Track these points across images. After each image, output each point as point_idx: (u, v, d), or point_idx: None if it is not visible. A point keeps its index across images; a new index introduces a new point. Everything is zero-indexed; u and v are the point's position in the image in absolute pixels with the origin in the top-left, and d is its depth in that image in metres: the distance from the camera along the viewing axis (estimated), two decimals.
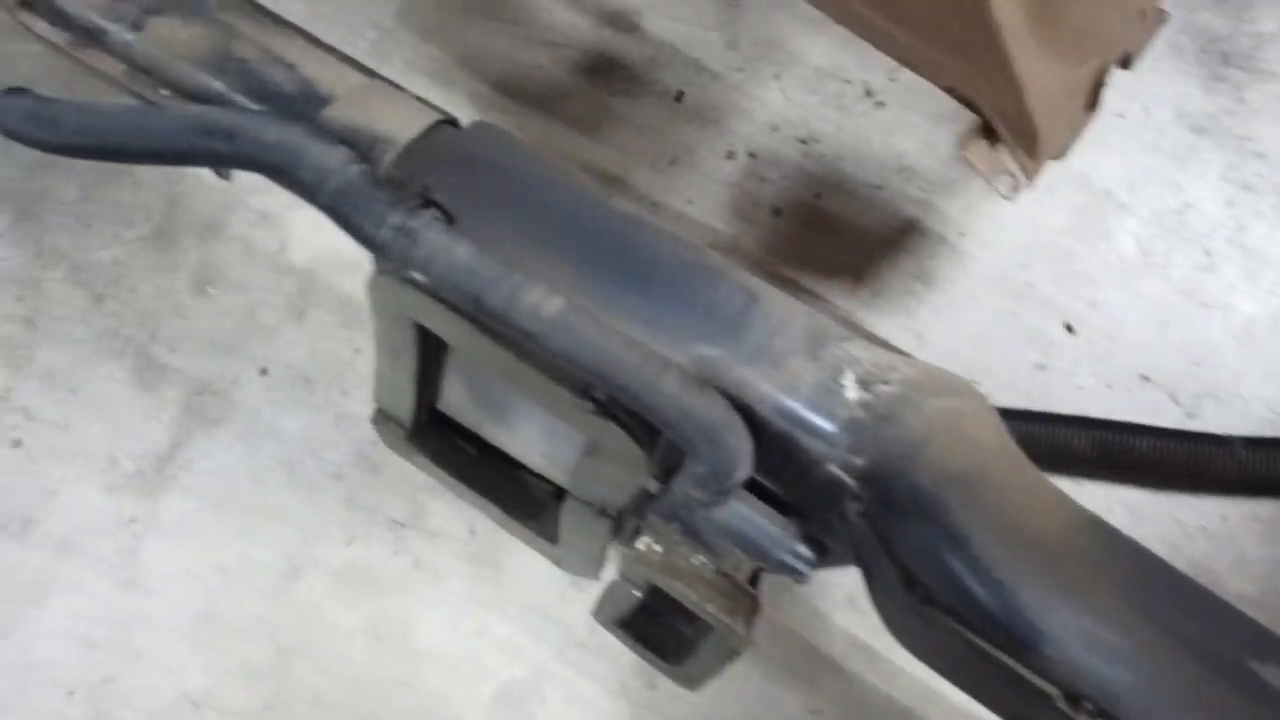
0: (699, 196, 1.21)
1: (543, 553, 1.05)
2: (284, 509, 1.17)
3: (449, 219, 0.73)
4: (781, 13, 1.27)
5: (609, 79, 1.26)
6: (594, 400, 0.78)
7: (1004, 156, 0.90)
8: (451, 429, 1.08)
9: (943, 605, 0.65)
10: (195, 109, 0.76)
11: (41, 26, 0.89)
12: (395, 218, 0.69)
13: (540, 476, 1.07)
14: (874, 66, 1.24)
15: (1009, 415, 1.08)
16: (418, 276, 0.71)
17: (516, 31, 1.29)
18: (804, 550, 0.79)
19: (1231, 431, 1.09)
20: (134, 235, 1.30)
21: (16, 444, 1.22)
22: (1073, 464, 1.06)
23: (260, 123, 0.72)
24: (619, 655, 1.10)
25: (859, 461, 0.73)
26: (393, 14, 1.33)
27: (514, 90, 1.27)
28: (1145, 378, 1.14)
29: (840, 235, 1.18)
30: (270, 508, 1.17)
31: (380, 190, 0.70)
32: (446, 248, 0.69)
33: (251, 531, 1.16)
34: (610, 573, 1.00)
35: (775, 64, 1.23)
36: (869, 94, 1.21)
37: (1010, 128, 0.87)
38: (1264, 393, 1.13)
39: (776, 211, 1.20)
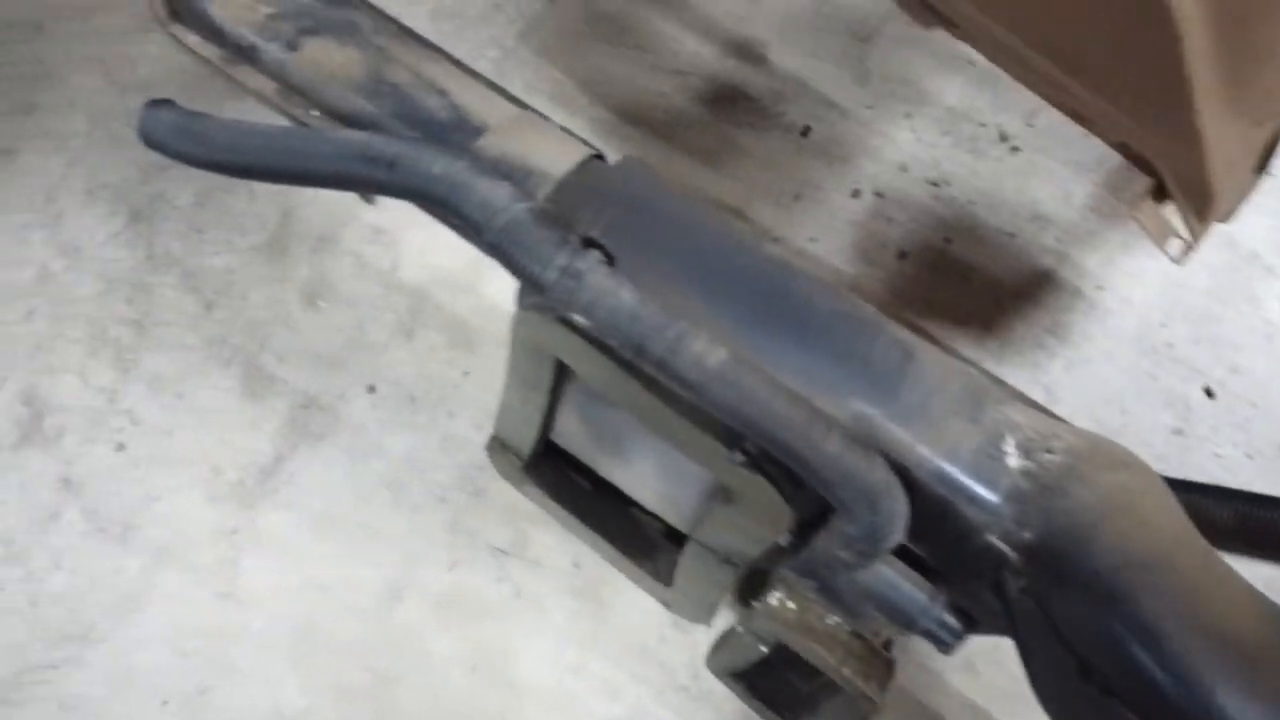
0: (822, 234, 1.18)
1: (653, 593, 1.03)
2: (387, 529, 1.16)
3: (610, 260, 0.71)
4: (915, 50, 1.24)
5: (733, 110, 1.24)
6: (744, 452, 0.75)
7: (1174, 218, 0.86)
8: (565, 461, 1.06)
9: (1125, 698, 0.62)
10: (355, 134, 0.74)
11: (193, 40, 0.88)
12: (561, 258, 0.67)
13: (653, 515, 1.05)
14: (1010, 109, 1.20)
15: None
16: (578, 319, 0.69)
17: (641, 58, 1.27)
18: (952, 620, 0.76)
19: None
20: (246, 244, 1.29)
21: (121, 447, 1.22)
22: (1210, 537, 1.01)
23: (425, 154, 0.71)
24: (723, 702, 1.07)
25: (1025, 535, 0.69)
26: (515, 34, 1.32)
27: (636, 117, 1.25)
28: None
29: (969, 282, 1.14)
30: (373, 527, 1.16)
31: (546, 229, 0.68)
32: (612, 292, 0.67)
33: (353, 550, 1.15)
34: (722, 620, 0.98)
35: (906, 102, 1.20)
36: (1004, 138, 1.17)
37: (1185, 190, 0.83)
38: None
39: (902, 254, 1.17)
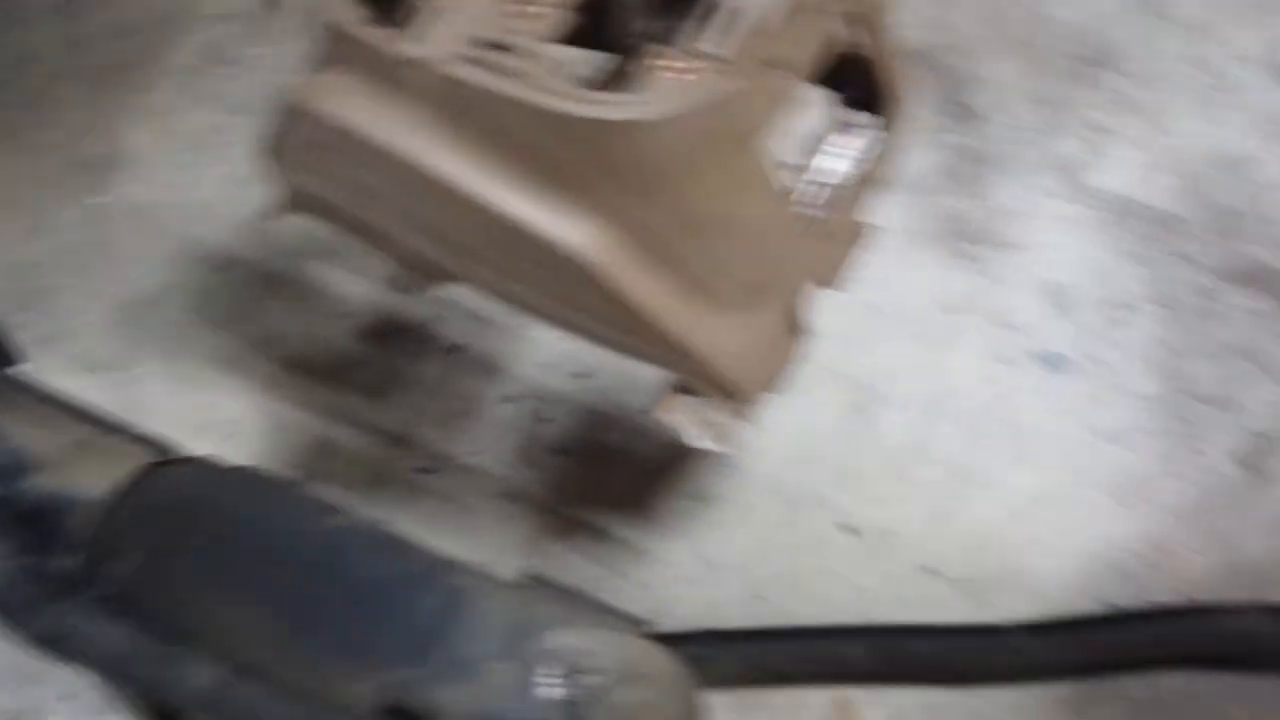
0: (486, 445, 1.24)
1: None
2: None
3: (122, 595, 0.75)
4: None
5: (395, 341, 1.31)
6: None
7: (707, 409, 0.93)
8: None
9: None
10: None
11: None
12: (39, 621, 0.71)
13: None
14: None
15: (787, 635, 1.09)
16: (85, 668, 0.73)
17: (310, 309, 1.33)
18: None
19: (1021, 615, 1.09)
20: None
21: None
22: (852, 678, 1.06)
23: None
24: None
25: None
26: (193, 308, 1.37)
27: (303, 367, 1.30)
28: (931, 570, 1.14)
29: (619, 467, 1.21)
30: None
31: (34, 585, 0.72)
32: (92, 639, 0.71)
33: None
34: None
35: None
36: None
37: (707, 386, 0.91)
38: (1044, 567, 1.13)
39: (562, 451, 1.23)
